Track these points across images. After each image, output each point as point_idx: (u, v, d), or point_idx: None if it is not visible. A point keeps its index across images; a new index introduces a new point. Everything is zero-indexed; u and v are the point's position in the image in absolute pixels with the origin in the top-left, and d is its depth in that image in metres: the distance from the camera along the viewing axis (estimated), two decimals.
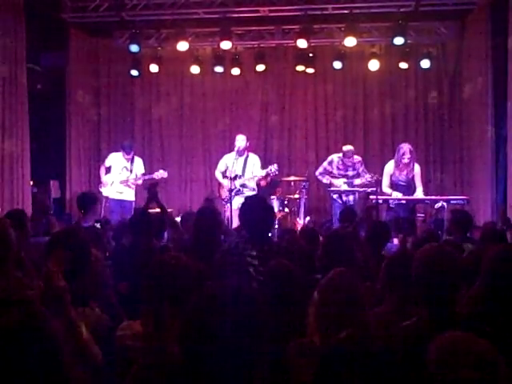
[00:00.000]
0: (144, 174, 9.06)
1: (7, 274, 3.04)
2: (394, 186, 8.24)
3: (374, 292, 3.32)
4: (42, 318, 1.26)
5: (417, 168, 8.31)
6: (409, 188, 8.24)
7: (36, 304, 1.29)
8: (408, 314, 2.79)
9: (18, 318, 1.22)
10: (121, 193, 9.05)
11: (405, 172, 8.20)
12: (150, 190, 5.43)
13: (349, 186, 8.72)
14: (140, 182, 9.03)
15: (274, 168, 8.51)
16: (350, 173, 8.80)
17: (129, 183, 9.03)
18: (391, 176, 8.26)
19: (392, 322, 2.75)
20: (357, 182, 8.65)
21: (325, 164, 8.98)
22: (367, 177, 8.43)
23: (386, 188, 8.24)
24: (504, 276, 2.55)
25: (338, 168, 8.84)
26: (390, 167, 8.32)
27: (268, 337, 1.65)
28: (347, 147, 8.87)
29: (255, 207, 3.95)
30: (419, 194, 8.21)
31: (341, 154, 8.87)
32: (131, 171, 9.05)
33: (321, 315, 2.42)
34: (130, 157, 9.02)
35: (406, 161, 8.12)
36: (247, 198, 4.39)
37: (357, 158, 8.92)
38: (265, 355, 1.64)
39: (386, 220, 7.48)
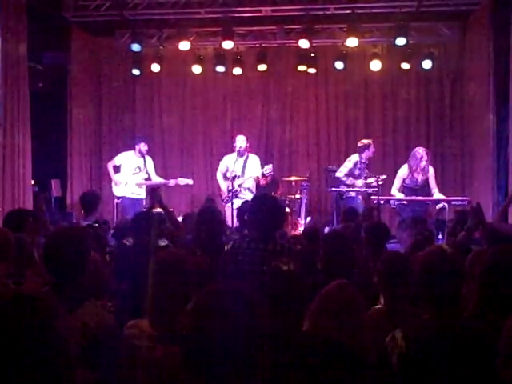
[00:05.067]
0: (163, 178, 9.27)
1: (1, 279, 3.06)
2: (406, 189, 8.19)
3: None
4: (51, 314, 1.26)
5: (431, 170, 8.30)
6: (421, 191, 8.19)
7: (47, 300, 1.28)
8: (402, 313, 2.81)
9: (29, 313, 1.22)
10: (137, 194, 9.15)
11: (421, 175, 8.15)
12: (153, 194, 5.43)
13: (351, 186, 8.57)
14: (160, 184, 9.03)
15: (268, 169, 8.50)
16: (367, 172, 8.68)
17: (142, 186, 9.12)
18: (404, 179, 8.22)
19: (385, 321, 2.79)
20: (358, 183, 8.53)
21: (350, 165, 8.63)
22: (370, 180, 8.37)
23: (394, 190, 8.20)
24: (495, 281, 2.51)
25: (360, 168, 8.64)
26: (404, 171, 8.26)
27: (268, 338, 1.64)
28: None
29: (264, 206, 3.92)
30: (437, 195, 8.15)
31: (356, 154, 8.67)
32: (146, 172, 9.16)
33: (317, 324, 2.42)
34: (143, 152, 9.07)
35: (424, 164, 8.11)
36: (256, 197, 4.37)
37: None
38: (265, 356, 1.64)
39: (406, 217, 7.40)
